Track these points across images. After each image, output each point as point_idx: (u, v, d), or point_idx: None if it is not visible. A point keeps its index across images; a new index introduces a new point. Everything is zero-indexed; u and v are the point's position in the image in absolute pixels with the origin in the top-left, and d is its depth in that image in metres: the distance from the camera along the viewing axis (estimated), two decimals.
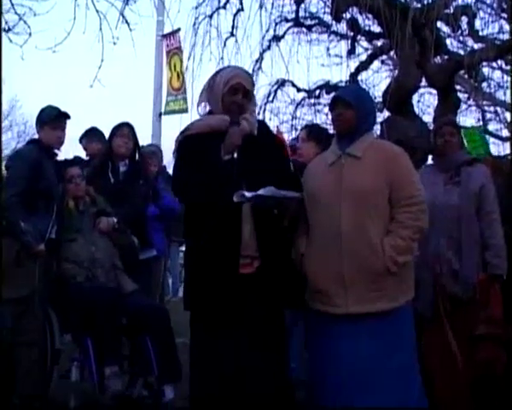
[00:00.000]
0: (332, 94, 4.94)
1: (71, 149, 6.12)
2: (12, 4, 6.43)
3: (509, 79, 8.36)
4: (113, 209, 4.60)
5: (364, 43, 8.64)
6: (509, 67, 8.14)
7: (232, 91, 3.18)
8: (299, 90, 8.46)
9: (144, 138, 8.66)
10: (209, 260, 3.05)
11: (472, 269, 3.84)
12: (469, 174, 3.96)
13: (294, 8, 7.46)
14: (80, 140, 5.90)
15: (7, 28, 6.73)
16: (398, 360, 3.12)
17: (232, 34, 7.33)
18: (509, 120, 10.36)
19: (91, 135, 5.69)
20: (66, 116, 4.33)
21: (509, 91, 8.29)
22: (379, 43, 7.79)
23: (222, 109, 3.20)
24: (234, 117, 3.17)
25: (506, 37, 6.50)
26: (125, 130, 4.94)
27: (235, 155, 3.12)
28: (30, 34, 6.55)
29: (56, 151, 4.36)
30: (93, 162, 5.22)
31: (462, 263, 3.84)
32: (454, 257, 3.85)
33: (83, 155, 5.94)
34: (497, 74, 9.11)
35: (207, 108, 3.32)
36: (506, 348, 3.81)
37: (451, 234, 3.85)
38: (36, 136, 4.43)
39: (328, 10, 7.15)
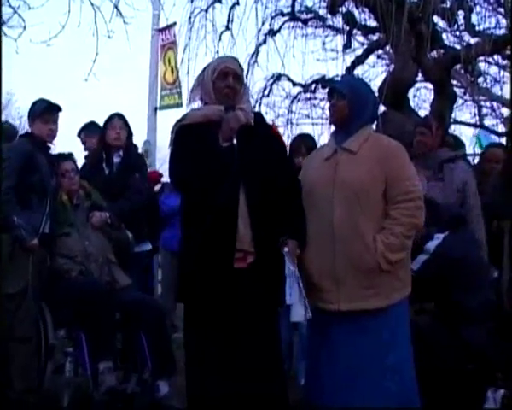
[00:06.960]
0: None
1: (67, 143, 6.11)
2: None
3: (505, 74, 8.36)
4: (108, 203, 4.57)
5: (360, 38, 8.57)
6: (505, 62, 8.12)
7: (222, 76, 3.18)
8: (294, 84, 8.40)
9: (140, 133, 8.67)
10: (204, 253, 3.03)
11: None
12: (452, 170, 4.04)
13: (290, 2, 7.42)
14: (79, 134, 5.88)
15: (1, 22, 6.68)
16: (394, 357, 3.10)
17: (228, 28, 7.28)
18: (505, 115, 10.35)
19: (90, 129, 5.67)
20: (57, 108, 4.29)
21: (505, 86, 8.28)
22: (375, 37, 7.75)
23: (215, 97, 3.18)
24: (229, 102, 3.15)
25: (503, 31, 6.47)
26: (116, 121, 4.92)
27: (235, 142, 3.10)
28: (24, 28, 6.52)
29: (49, 145, 4.33)
30: (88, 157, 5.20)
31: None
32: None
33: (80, 148, 5.93)
34: (494, 69, 9.13)
35: (201, 104, 3.29)
36: None
37: None
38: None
39: (323, 4, 7.12)
